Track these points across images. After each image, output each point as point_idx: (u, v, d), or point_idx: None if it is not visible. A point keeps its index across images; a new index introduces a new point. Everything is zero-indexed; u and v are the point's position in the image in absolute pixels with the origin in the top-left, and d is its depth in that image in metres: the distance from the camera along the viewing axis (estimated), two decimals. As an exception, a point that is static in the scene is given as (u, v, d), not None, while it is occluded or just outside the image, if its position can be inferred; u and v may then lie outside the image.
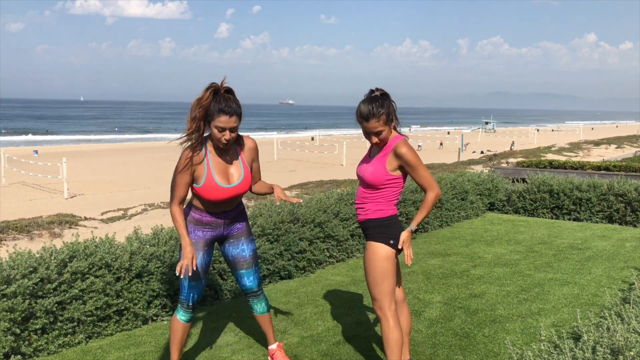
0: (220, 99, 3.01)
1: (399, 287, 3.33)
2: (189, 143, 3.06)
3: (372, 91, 3.06)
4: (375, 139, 3.05)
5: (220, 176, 3.14)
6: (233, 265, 3.46)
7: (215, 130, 3.03)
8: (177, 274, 3.07)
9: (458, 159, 27.06)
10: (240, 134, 3.23)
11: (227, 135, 3.05)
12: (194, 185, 3.15)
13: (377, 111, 2.97)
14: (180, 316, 3.32)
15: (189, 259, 3.07)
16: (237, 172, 3.21)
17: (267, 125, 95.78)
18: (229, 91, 3.06)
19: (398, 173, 3.06)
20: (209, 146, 3.15)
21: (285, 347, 3.83)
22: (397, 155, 3.00)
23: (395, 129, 3.12)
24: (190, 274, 3.08)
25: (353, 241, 6.26)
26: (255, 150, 3.35)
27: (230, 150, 3.22)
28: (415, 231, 3.12)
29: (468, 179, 8.81)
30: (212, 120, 3.02)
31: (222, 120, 3.00)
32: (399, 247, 3.07)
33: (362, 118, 3.01)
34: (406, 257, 3.05)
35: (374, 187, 3.09)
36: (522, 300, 4.73)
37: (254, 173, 3.39)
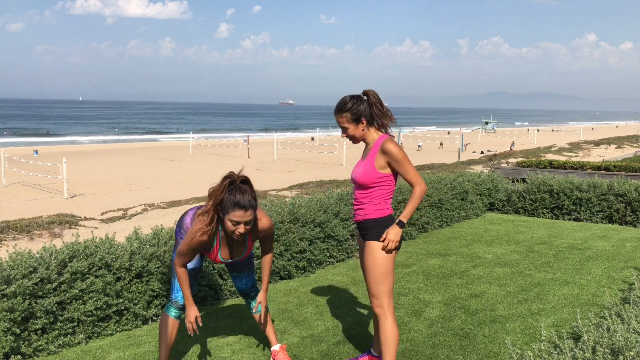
0: (235, 191, 2.89)
1: None
2: (203, 232, 2.97)
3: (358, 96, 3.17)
4: (343, 135, 3.19)
5: (224, 253, 3.19)
6: (228, 268, 3.55)
7: (229, 224, 2.92)
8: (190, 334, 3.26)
9: (458, 159, 27.05)
10: (259, 212, 3.12)
11: (242, 228, 2.93)
12: None
13: (342, 107, 3.11)
14: (171, 312, 3.32)
15: (193, 320, 3.14)
16: (241, 249, 3.23)
17: (267, 125, 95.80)
18: (245, 181, 2.95)
19: (388, 171, 3.13)
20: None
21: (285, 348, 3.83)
22: (384, 152, 3.08)
23: (380, 130, 3.19)
24: (198, 333, 3.21)
25: (353, 241, 6.26)
26: (269, 232, 3.24)
27: None
28: (403, 225, 3.12)
29: (468, 179, 8.81)
30: (226, 213, 2.90)
31: (237, 214, 2.88)
32: (382, 239, 3.09)
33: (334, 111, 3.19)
34: (387, 243, 3.07)
35: (365, 187, 3.16)
36: (522, 300, 4.73)
37: (265, 246, 3.36)
